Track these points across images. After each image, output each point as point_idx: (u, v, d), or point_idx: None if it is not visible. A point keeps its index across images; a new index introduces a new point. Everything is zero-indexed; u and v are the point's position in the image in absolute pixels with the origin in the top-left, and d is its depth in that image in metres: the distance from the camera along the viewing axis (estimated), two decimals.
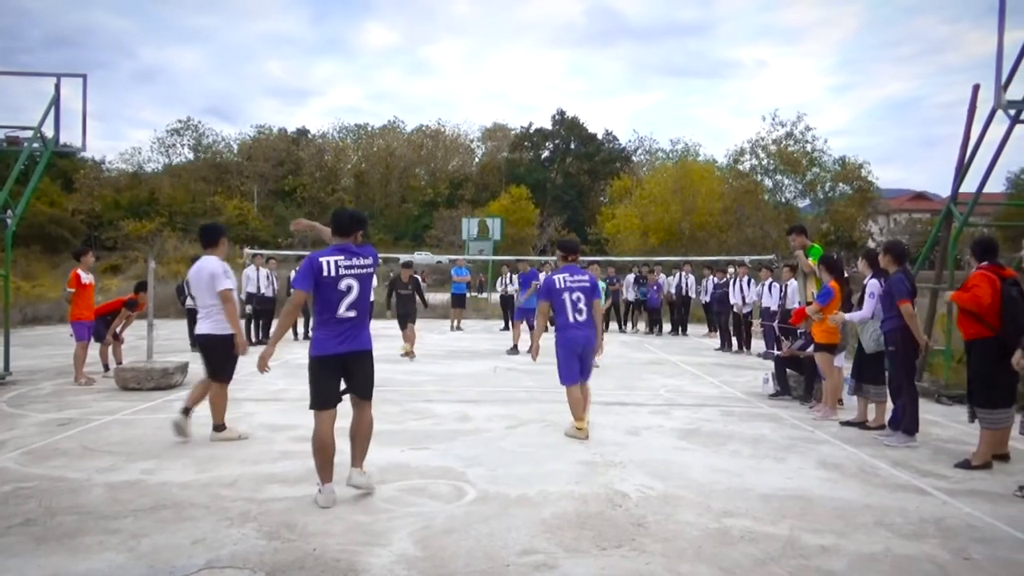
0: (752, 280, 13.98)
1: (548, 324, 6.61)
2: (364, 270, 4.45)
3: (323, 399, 4.46)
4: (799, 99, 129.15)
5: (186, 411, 5.98)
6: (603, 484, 4.89)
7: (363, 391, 4.61)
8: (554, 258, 25.89)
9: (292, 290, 4.54)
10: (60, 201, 47.68)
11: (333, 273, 4.34)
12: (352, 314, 4.41)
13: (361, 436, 4.64)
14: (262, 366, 4.69)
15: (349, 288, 4.37)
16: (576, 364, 6.29)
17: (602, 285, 18.68)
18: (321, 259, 4.35)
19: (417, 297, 12.85)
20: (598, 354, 6.75)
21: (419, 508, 4.37)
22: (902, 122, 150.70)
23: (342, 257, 4.38)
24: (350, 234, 4.53)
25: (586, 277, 6.38)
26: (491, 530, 3.99)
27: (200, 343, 6.15)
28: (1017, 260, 9.71)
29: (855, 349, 7.18)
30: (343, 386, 4.57)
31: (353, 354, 4.47)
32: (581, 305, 6.24)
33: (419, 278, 13.87)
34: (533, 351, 6.71)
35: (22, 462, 5.29)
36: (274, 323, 15.02)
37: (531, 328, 13.71)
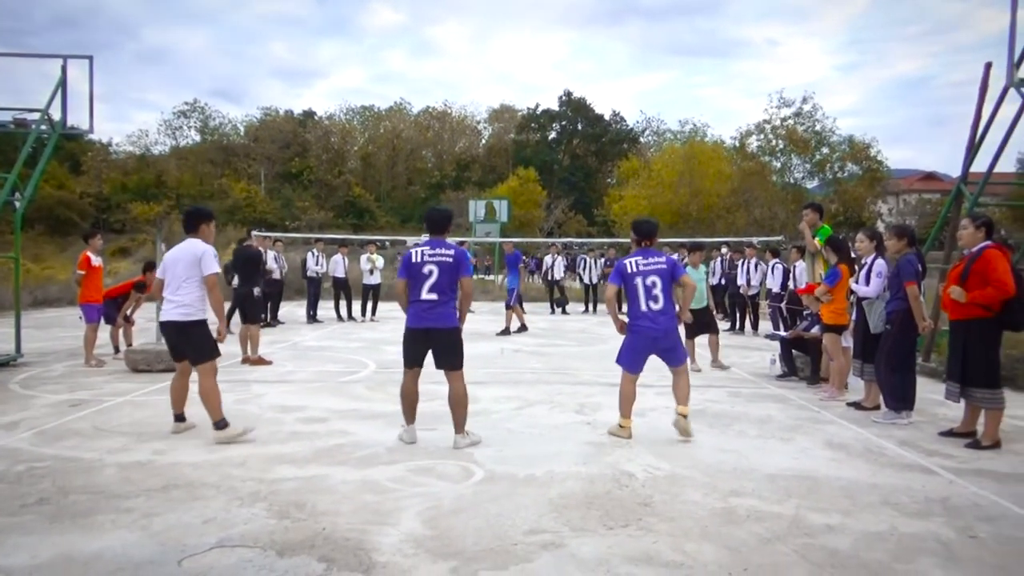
0: (759, 262, 14.04)
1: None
2: (445, 259, 5.21)
3: (407, 359, 5.37)
4: (808, 79, 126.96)
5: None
6: (610, 464, 4.92)
7: (443, 363, 5.34)
8: (561, 240, 25.80)
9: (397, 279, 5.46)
10: (68, 184, 47.72)
11: (419, 260, 5.22)
12: (433, 296, 5.18)
13: (453, 405, 5.36)
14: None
15: (430, 272, 5.17)
16: (641, 357, 5.69)
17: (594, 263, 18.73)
18: (412, 250, 5.33)
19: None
20: (717, 360, 6.97)
21: (427, 488, 4.40)
22: (911, 102, 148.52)
23: (428, 248, 5.27)
24: (443, 232, 5.41)
25: (662, 259, 5.65)
26: (499, 509, 4.02)
27: (174, 331, 5.56)
28: None
29: (859, 329, 7.16)
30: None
31: (435, 330, 5.22)
32: (656, 291, 5.50)
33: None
34: (618, 327, 5.80)
35: (35, 442, 5.36)
36: (281, 305, 15.14)
37: (511, 307, 13.82)
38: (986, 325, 5.49)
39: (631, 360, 5.70)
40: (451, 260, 5.22)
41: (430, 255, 5.23)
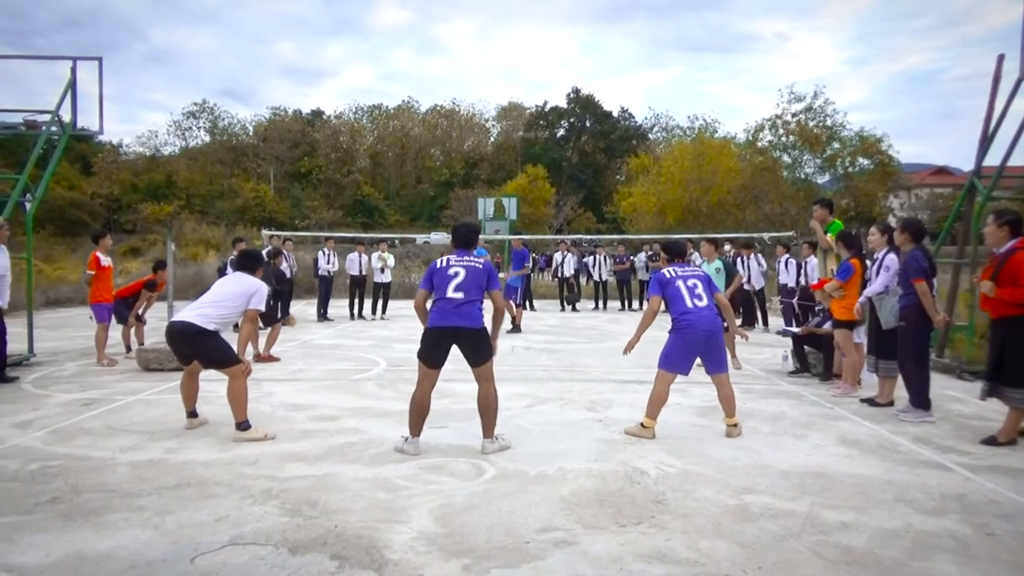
0: (743, 257, 14.33)
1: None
2: (472, 264, 5.13)
3: (429, 359, 5.08)
4: (816, 73, 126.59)
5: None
6: (622, 462, 4.90)
7: (475, 359, 5.11)
8: (571, 237, 25.72)
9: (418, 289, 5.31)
10: (79, 184, 48.07)
11: (445, 265, 5.15)
12: (460, 295, 5.01)
13: (483, 409, 5.16)
14: None
15: (456, 273, 5.06)
16: (689, 357, 5.59)
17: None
18: (438, 260, 5.27)
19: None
20: (734, 358, 6.99)
21: (439, 486, 4.39)
22: (920, 96, 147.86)
23: (455, 256, 5.21)
24: (469, 246, 5.30)
25: (699, 269, 5.93)
26: (511, 507, 4.01)
27: (181, 337, 5.47)
28: None
29: (871, 324, 7.10)
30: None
31: (463, 329, 5.01)
32: (699, 291, 5.61)
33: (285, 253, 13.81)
34: (628, 346, 5.77)
35: (48, 441, 5.38)
36: (292, 304, 15.19)
37: (515, 305, 13.61)
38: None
39: (678, 360, 5.58)
40: (480, 266, 5.12)
41: (456, 260, 5.15)
